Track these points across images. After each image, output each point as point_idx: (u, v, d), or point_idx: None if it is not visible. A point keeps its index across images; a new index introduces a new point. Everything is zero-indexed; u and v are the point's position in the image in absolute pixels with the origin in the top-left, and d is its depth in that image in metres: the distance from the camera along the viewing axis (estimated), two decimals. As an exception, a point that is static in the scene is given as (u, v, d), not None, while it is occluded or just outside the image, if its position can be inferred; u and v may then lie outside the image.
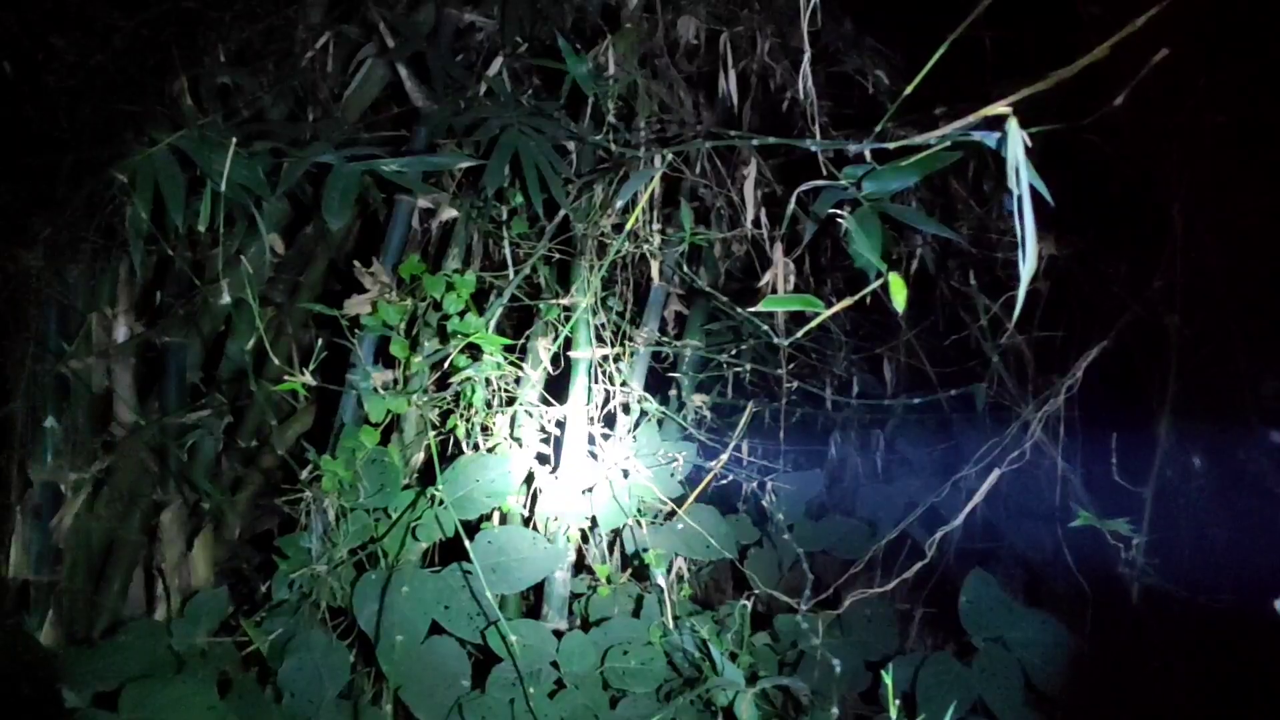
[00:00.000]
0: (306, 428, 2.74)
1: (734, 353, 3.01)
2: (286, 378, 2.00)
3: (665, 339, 2.99)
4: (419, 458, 2.49)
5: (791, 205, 1.79)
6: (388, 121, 2.72)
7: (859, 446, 3.22)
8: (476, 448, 2.50)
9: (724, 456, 2.75)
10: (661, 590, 2.31)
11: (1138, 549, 1.75)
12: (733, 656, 2.08)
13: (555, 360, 2.64)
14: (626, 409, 2.79)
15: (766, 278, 2.50)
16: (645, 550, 2.45)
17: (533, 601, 2.61)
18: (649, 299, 2.92)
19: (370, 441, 2.36)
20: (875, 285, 1.42)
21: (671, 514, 2.66)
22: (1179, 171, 1.87)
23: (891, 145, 1.50)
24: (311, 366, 1.96)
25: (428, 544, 2.37)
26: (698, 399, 3.07)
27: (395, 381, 2.42)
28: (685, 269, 2.70)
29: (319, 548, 2.29)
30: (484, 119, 2.33)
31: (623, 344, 2.86)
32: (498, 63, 2.55)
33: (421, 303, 2.42)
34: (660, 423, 2.87)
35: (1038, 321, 2.47)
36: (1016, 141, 1.22)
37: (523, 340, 2.63)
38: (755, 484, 2.85)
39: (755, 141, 1.81)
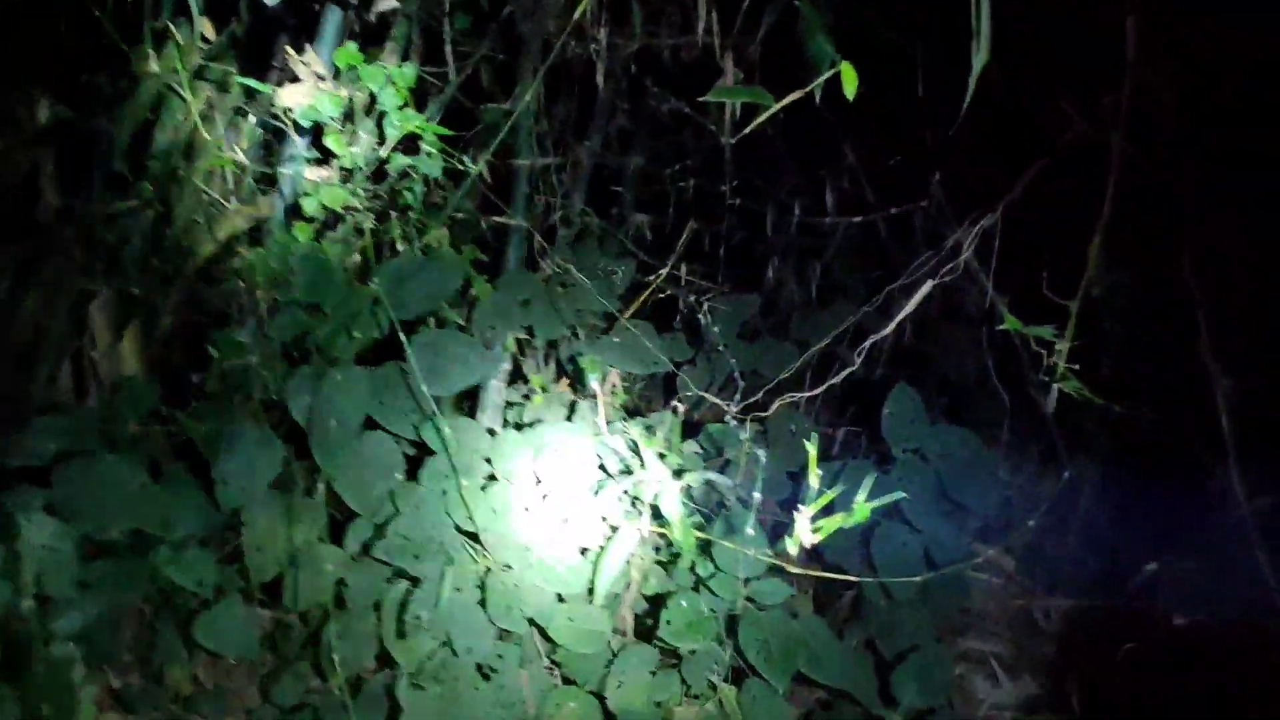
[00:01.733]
0: (240, 226, 2.67)
1: (677, 168, 2.99)
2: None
3: (609, 153, 2.95)
4: (355, 256, 2.46)
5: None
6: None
7: (796, 272, 3.23)
8: (414, 250, 2.47)
9: (662, 273, 2.76)
10: (594, 395, 2.34)
11: (1060, 354, 1.80)
12: (661, 457, 2.12)
13: (496, 170, 2.60)
14: (567, 222, 2.77)
15: (718, 86, 2.45)
16: (580, 356, 2.48)
17: (467, 410, 2.64)
18: (594, 110, 2.87)
19: (303, 236, 2.32)
20: (827, 75, 1.40)
21: (609, 328, 2.68)
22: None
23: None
24: (244, 146, 1.90)
25: (362, 343, 2.36)
26: (639, 216, 3.06)
27: (330, 176, 2.36)
28: (632, 70, 2.65)
29: (251, 340, 2.28)
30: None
31: (566, 155, 2.81)
32: None
33: (358, 94, 2.35)
34: (601, 239, 2.86)
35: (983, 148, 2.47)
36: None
37: (463, 144, 2.57)
38: (692, 301, 2.87)
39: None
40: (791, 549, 1.53)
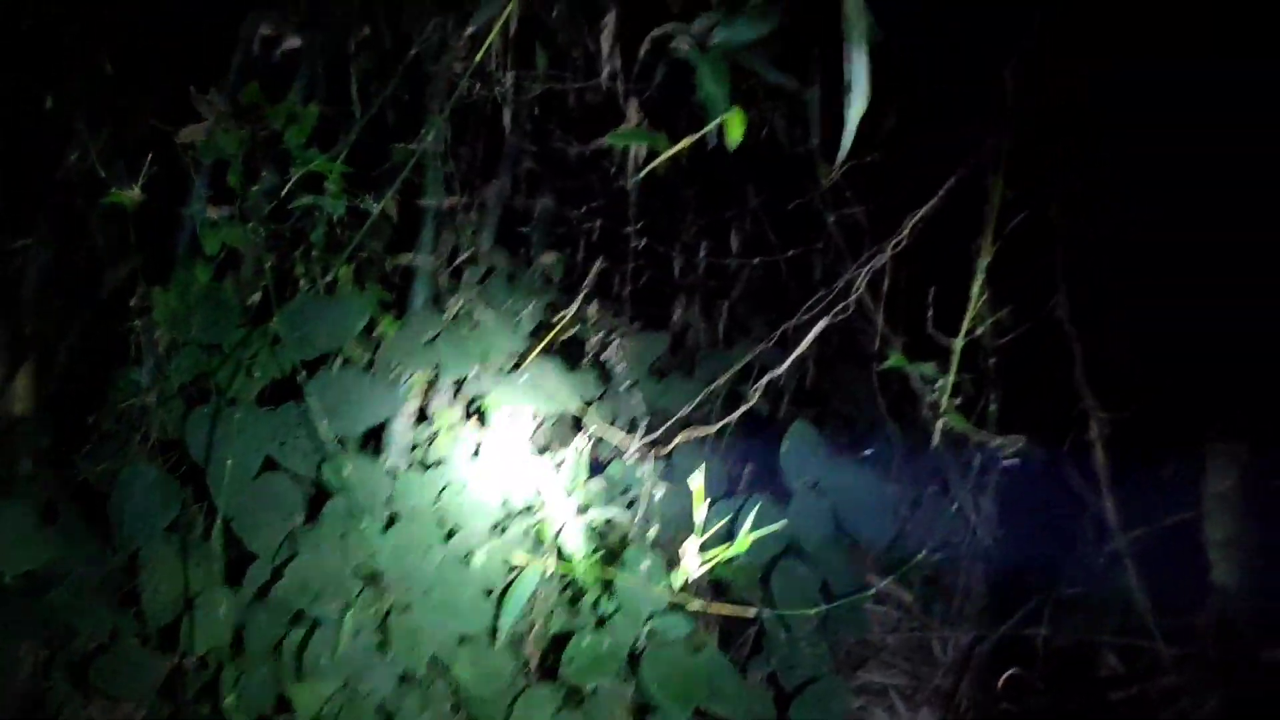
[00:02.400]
0: (139, 262, 2.64)
1: (584, 209, 3.03)
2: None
3: (517, 193, 2.97)
4: (257, 296, 2.44)
5: (646, 46, 1.81)
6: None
7: (703, 311, 3.29)
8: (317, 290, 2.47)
9: (569, 311, 2.78)
10: (500, 434, 2.35)
11: (943, 391, 1.88)
12: (565, 495, 2.14)
13: (404, 209, 2.62)
14: (474, 261, 2.79)
15: (618, 130, 2.50)
16: (485, 396, 2.49)
17: (373, 451, 2.63)
18: (503, 152, 2.90)
19: (204, 275, 2.31)
20: (716, 122, 1.45)
21: (516, 366, 2.70)
22: (1012, 33, 1.92)
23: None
24: (140, 181, 1.90)
25: (263, 382, 2.34)
26: (547, 256, 3.08)
27: (232, 215, 2.35)
28: (537, 114, 2.69)
29: (149, 380, 2.25)
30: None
31: (473, 195, 2.84)
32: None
33: (261, 133, 2.35)
34: (509, 277, 2.88)
35: (877, 192, 2.57)
36: (851, -20, 1.26)
37: (369, 184, 2.58)
38: (600, 339, 2.91)
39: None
40: (676, 581, 1.56)
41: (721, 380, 2.34)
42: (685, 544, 1.56)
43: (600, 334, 2.96)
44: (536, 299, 2.80)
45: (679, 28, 1.69)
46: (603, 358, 3.04)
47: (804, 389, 3.03)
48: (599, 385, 2.90)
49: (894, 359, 1.87)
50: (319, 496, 2.28)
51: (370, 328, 2.52)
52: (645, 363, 2.99)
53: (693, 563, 1.53)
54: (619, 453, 2.64)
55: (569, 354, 2.89)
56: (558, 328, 2.71)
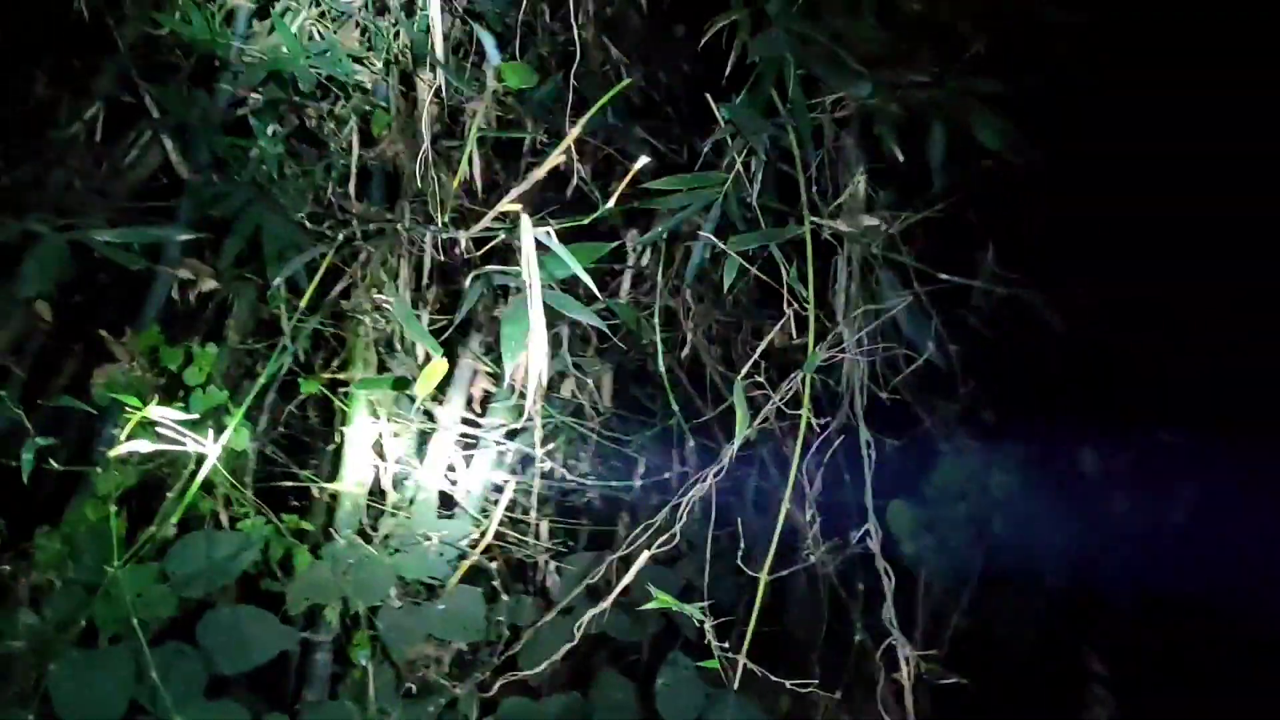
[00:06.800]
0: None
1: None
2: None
3: (470, 416, 2.94)
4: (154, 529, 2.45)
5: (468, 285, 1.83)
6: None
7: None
8: (219, 522, 2.48)
9: (487, 538, 2.68)
10: (367, 671, 2.29)
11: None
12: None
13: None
14: (396, 485, 2.76)
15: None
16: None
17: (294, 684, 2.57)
18: (454, 375, 2.89)
19: (94, 514, 2.33)
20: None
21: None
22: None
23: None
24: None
25: (149, 622, 2.31)
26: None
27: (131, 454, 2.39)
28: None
29: (26, 622, 2.25)
30: (228, 192, 2.35)
31: (401, 420, 2.82)
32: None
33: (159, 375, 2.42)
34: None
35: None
36: (528, 234, 1.24)
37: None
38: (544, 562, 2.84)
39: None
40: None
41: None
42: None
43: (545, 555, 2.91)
44: (461, 524, 2.75)
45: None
46: (548, 583, 2.97)
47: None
48: (534, 613, 2.80)
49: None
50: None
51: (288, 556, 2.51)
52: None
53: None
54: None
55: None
56: (471, 558, 2.63)
